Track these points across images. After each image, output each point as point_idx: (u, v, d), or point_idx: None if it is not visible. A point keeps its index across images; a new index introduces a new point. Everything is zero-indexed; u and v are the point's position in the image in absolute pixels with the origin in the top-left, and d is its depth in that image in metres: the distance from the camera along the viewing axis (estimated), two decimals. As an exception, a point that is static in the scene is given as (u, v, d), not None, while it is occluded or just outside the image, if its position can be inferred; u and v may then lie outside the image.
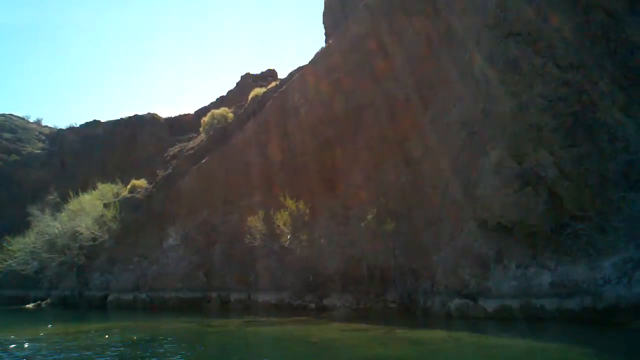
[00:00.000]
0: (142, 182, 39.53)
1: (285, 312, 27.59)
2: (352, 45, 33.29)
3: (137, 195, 38.19)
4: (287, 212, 29.24)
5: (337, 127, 32.47)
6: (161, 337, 21.64)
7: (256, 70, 54.15)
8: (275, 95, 37.56)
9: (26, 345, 20.45)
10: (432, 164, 26.53)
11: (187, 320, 26.79)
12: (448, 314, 21.29)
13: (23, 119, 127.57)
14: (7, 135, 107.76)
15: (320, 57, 35.71)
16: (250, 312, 28.54)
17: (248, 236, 30.19)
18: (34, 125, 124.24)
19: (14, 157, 57.13)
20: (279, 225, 29.19)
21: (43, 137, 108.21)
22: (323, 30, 47.01)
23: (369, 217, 26.69)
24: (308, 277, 28.66)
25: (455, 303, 21.03)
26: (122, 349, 19.23)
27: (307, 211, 29.44)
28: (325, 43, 39.98)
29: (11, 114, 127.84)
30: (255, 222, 29.94)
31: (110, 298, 34.42)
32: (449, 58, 27.09)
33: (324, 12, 46.92)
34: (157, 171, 40.53)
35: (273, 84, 42.27)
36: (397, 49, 30.73)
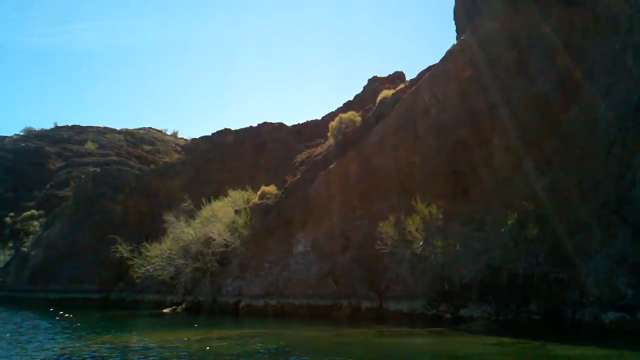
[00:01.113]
0: (271, 189, 40.60)
1: (418, 322, 27.06)
2: (485, 40, 32.22)
3: (267, 202, 39.25)
4: (419, 217, 28.70)
5: (471, 127, 31.51)
6: (294, 346, 21.96)
7: (383, 73, 54.07)
8: (404, 96, 37.17)
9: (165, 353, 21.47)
10: (578, 164, 24.94)
11: (318, 329, 27.02)
12: (602, 328, 19.82)
13: (161, 131, 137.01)
14: (146, 147, 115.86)
15: (451, 54, 34.91)
16: (381, 322, 28.27)
17: (379, 242, 29.97)
18: (170, 138, 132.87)
19: (151, 166, 61.11)
20: (410, 231, 28.72)
21: (179, 148, 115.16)
22: (453, 28, 46.10)
23: (509, 222, 25.50)
24: (443, 286, 27.92)
25: (610, 316, 19.53)
26: (257, 357, 19.68)
27: (440, 216, 28.70)
28: (457, 40, 39.05)
29: (150, 127, 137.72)
30: (386, 228, 29.66)
31: (242, 304, 35.53)
32: (595, 49, 25.43)
33: (454, 8, 45.90)
34: (286, 177, 41.45)
35: (401, 86, 41.89)
36: (534, 42, 29.36)
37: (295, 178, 39.95)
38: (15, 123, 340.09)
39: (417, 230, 28.73)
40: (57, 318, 34.58)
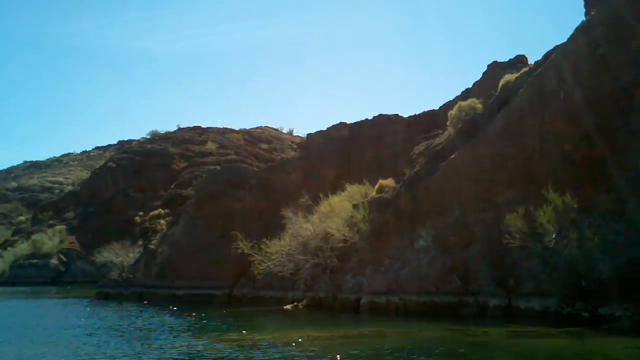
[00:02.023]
0: (389, 182, 39.86)
1: (552, 322, 25.46)
2: (618, 15, 29.75)
3: (386, 195, 38.55)
4: (550, 208, 26.91)
5: (604, 110, 29.26)
6: (420, 347, 21.23)
7: (503, 58, 51.74)
8: (529, 80, 35.18)
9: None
10: None
11: (444, 327, 26.08)
12: None
13: (277, 130, 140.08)
14: (263, 145, 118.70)
15: (580, 32, 32.55)
16: (510, 320, 26.87)
17: (506, 236, 28.49)
18: (286, 136, 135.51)
19: (269, 163, 62.20)
20: (541, 223, 27.02)
21: (295, 146, 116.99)
22: (581, 3, 43.18)
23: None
24: (579, 282, 26.01)
25: None
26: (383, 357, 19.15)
27: (575, 206, 26.75)
28: (586, 16, 36.43)
29: (267, 126, 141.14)
30: (514, 220, 28.10)
31: (363, 301, 35.08)
32: None
33: (583, -19, 42.95)
34: (404, 170, 40.55)
35: (524, 69, 39.75)
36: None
37: (414, 170, 38.96)
38: (142, 126, 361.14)
39: (548, 222, 27.00)
40: (189, 316, 35.76)
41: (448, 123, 40.76)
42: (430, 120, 50.35)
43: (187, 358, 20.26)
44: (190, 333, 27.46)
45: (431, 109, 53.62)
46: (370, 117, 53.71)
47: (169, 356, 20.70)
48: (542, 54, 38.45)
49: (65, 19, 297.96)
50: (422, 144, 45.00)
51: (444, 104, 51.31)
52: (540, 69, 35.19)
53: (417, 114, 54.14)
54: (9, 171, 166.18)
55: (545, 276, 27.83)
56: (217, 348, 22.37)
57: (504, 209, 30.28)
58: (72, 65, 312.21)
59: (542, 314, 27.04)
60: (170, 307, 42.26)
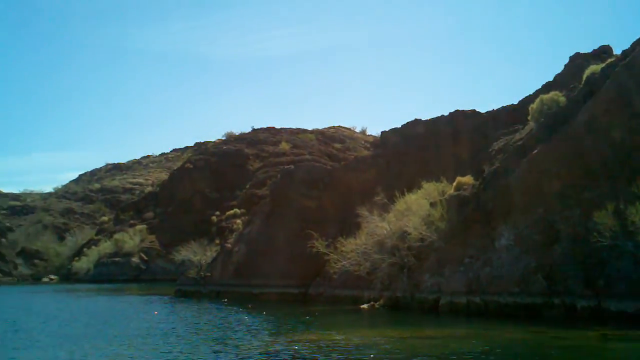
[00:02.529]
0: (468, 179, 38.72)
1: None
2: None
3: (464, 193, 37.46)
4: (643, 205, 25.39)
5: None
6: (505, 350, 20.39)
7: (585, 49, 49.39)
8: (616, 70, 33.43)
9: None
10: None
11: (529, 330, 25.08)
12: None
13: (350, 129, 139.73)
14: (337, 145, 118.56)
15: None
16: (600, 323, 25.51)
17: (594, 234, 27.05)
18: (359, 135, 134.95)
19: (342, 162, 61.89)
20: (633, 221, 25.50)
21: (368, 145, 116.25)
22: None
23: None
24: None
25: None
26: None
27: (671, 202, 25.15)
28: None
29: (339, 126, 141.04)
30: (603, 218, 26.66)
31: (442, 301, 34.23)
32: None
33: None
34: (483, 166, 39.30)
35: (610, 60, 37.81)
36: None
37: (494, 167, 37.68)
38: (218, 128, 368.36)
39: (641, 219, 25.48)
40: (266, 314, 35.82)
41: (529, 117, 39.22)
42: (509, 115, 48.61)
43: (266, 359, 20.06)
44: (267, 332, 27.39)
45: (510, 103, 51.81)
46: (446, 114, 52.49)
47: (248, 356, 20.59)
48: (629, 44, 36.56)
49: (142, 25, 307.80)
50: (501, 140, 43.46)
51: (524, 98, 49.47)
52: (627, 59, 33.44)
53: (495, 109, 52.49)
54: (93, 173, 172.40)
55: (638, 276, 26.29)
56: (296, 348, 22.13)
57: (591, 205, 28.86)
58: (150, 70, 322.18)
59: (636, 316, 25.54)
60: (247, 305, 42.55)
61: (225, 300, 46.74)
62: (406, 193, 40.90)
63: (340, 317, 35.52)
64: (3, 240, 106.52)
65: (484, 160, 41.48)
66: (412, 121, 52.96)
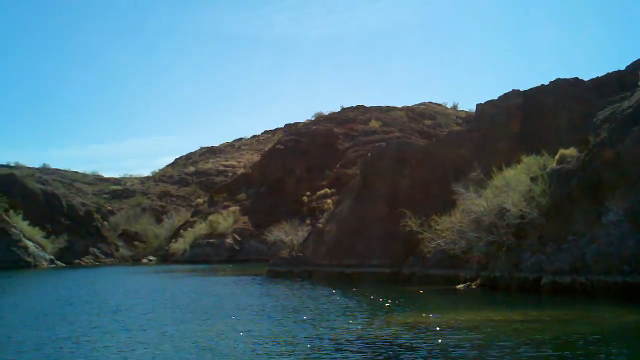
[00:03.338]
0: (571, 151, 36.40)
1: None
2: None
3: (567, 166, 35.20)
4: None
5: None
6: (617, 336, 18.72)
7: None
8: None
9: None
10: None
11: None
12: None
13: (440, 105, 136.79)
14: (427, 122, 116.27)
15: None
16: None
17: None
18: (450, 111, 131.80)
19: (434, 139, 60.10)
20: None
21: (460, 121, 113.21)
22: None
23: None
24: None
25: None
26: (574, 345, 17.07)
27: None
28: None
29: (430, 102, 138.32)
30: None
31: (544, 281, 32.41)
32: None
33: None
34: (588, 138, 36.79)
35: None
36: None
37: (600, 138, 35.17)
38: (307, 109, 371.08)
39: None
40: (360, 295, 35.13)
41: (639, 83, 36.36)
42: (615, 82, 45.42)
43: (363, 342, 19.33)
44: (363, 314, 26.67)
45: (616, 69, 48.40)
46: (546, 83, 49.64)
47: (344, 339, 19.93)
48: None
49: (229, 9, 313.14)
50: (607, 109, 40.56)
51: (632, 63, 46.10)
52: None
53: (599, 76, 49.20)
54: (188, 157, 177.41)
55: None
56: (394, 331, 21.29)
57: None
58: (240, 54, 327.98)
59: None
60: (340, 285, 42.12)
61: (316, 280, 46.41)
62: (504, 168, 39.02)
63: (437, 297, 34.37)
64: (105, 223, 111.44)
65: (589, 131, 38.86)
66: (509, 92, 50.39)
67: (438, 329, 21.39)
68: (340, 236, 50.08)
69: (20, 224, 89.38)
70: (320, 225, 54.38)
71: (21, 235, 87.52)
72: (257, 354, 17.76)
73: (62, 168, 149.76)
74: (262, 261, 75.77)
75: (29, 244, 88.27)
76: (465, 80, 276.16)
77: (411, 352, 17.34)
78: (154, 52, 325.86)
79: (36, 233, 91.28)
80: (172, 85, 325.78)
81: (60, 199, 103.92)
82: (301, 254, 53.10)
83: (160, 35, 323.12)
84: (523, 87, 50.65)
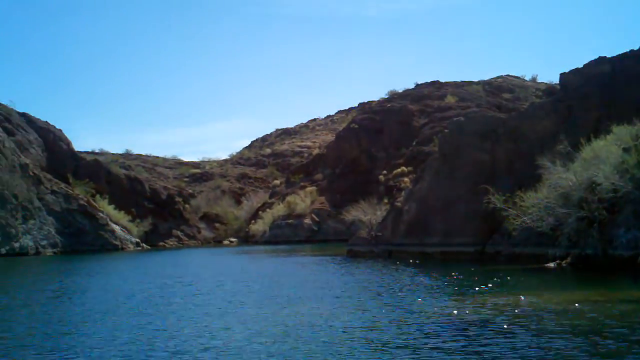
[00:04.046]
0: (667, 119, 33.86)
1: None
2: None
3: (665, 136, 32.77)
4: None
5: None
6: None
7: None
8: None
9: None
10: None
11: None
12: None
13: (519, 78, 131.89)
14: (505, 95, 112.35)
15: None
16: None
17: None
18: (530, 83, 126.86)
19: (512, 113, 57.52)
20: None
21: (540, 93, 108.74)
22: None
23: None
24: None
25: None
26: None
27: None
28: None
29: (508, 75, 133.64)
30: None
31: (641, 258, 30.36)
32: None
33: None
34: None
35: None
36: None
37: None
38: (380, 87, 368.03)
39: None
40: (443, 275, 33.95)
41: None
42: None
43: (454, 326, 18.26)
44: (450, 295, 25.50)
45: None
46: (635, 48, 46.38)
47: (433, 322, 18.96)
48: None
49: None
50: None
51: None
52: None
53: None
54: (264, 139, 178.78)
55: None
56: (485, 314, 20.12)
57: None
58: (310, 34, 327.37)
59: None
60: (421, 265, 41.06)
61: (397, 261, 45.33)
62: (593, 139, 36.79)
63: (526, 277, 32.68)
64: (187, 206, 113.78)
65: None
66: (595, 59, 47.44)
67: (533, 311, 20.11)
68: (420, 215, 48.90)
69: (106, 209, 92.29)
70: (398, 204, 53.29)
71: (108, 220, 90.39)
72: (342, 339, 17.03)
73: (143, 153, 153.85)
74: (341, 241, 75.43)
75: (116, 227, 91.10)
76: (543, 51, 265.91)
77: (508, 338, 16.16)
78: (227, 37, 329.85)
79: (122, 217, 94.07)
80: (246, 69, 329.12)
81: (143, 183, 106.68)
82: (380, 234, 52.21)
83: (233, 19, 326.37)
84: (607, 54, 47.45)
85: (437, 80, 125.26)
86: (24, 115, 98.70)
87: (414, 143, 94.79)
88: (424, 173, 53.22)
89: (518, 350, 14.74)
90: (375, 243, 51.90)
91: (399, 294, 26.56)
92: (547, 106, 48.63)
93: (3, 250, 72.24)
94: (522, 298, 23.11)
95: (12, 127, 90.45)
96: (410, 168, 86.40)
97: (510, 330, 17.06)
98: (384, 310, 21.77)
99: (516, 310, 20.49)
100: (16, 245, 74.85)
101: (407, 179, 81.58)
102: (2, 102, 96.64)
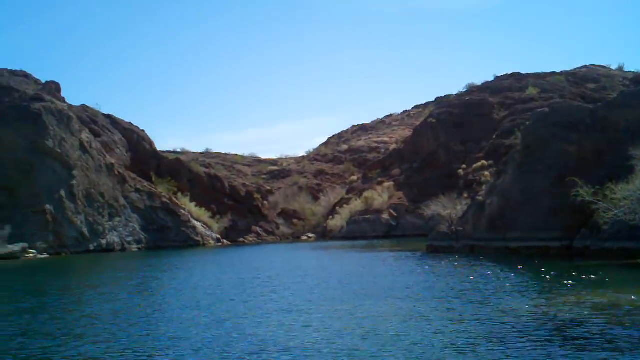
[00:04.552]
0: None
1: None
2: None
3: None
4: None
5: None
6: None
7: None
8: None
9: None
10: None
11: None
12: None
13: (605, 67, 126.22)
14: (590, 85, 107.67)
15: None
16: None
17: None
18: (616, 72, 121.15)
19: (598, 104, 54.80)
20: None
21: (627, 82, 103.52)
22: None
23: None
24: None
25: None
26: None
27: None
28: None
29: (592, 65, 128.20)
30: None
31: None
32: None
33: None
34: None
35: None
36: None
37: None
38: (458, 81, 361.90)
39: None
40: (531, 272, 32.55)
41: None
42: None
43: (548, 327, 17.11)
44: (540, 293, 24.21)
45: None
46: None
47: (525, 322, 17.91)
48: None
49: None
50: None
51: None
52: None
53: None
54: (340, 135, 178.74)
55: None
56: (581, 313, 18.85)
57: None
58: (387, 30, 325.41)
59: None
60: (505, 260, 39.70)
61: (480, 257, 43.93)
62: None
63: (621, 273, 30.91)
64: (265, 202, 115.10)
65: None
66: (692, 44, 44.60)
67: (636, 310, 18.82)
68: (502, 209, 47.34)
69: (188, 206, 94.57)
70: (480, 198, 51.87)
71: (189, 216, 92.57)
72: (430, 339, 16.38)
73: (223, 152, 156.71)
74: (419, 236, 74.27)
75: (197, 224, 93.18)
76: (631, 39, 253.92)
77: (609, 342, 15.02)
78: (303, 36, 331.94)
79: (203, 214, 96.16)
80: (320, 66, 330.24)
81: (223, 180, 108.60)
82: (461, 229, 50.97)
83: (310, 18, 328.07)
84: None
85: (518, 72, 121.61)
86: (109, 117, 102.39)
87: (494, 136, 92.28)
88: (506, 166, 51.54)
89: (626, 355, 13.68)
90: (455, 238, 50.70)
91: (485, 290, 25.58)
92: (638, 94, 46.04)
93: (91, 247, 75.14)
94: (620, 296, 21.72)
95: (98, 128, 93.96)
96: (490, 162, 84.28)
97: (610, 332, 15.97)
98: (470, 309, 20.85)
99: (615, 310, 19.21)
100: (103, 241, 77.71)
101: (487, 172, 79.60)
102: (89, 105, 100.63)
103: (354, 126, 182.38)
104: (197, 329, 19.07)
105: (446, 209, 54.98)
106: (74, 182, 75.94)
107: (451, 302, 22.85)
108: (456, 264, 39.67)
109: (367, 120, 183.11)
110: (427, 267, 39.05)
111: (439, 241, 52.22)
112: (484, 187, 58.94)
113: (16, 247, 64.81)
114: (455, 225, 51.90)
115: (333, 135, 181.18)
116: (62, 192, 73.72)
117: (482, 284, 28.06)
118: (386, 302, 23.41)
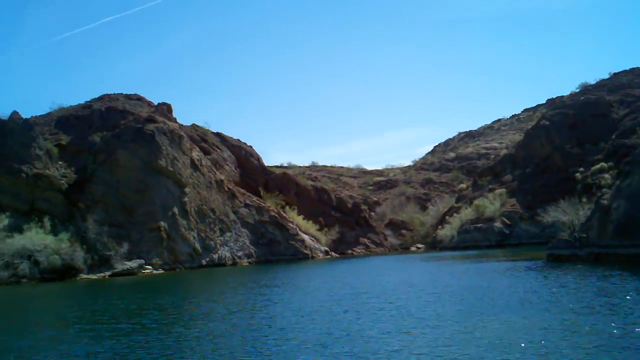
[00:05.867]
0: None
1: None
2: None
3: None
4: None
5: None
6: None
7: None
8: None
9: None
10: None
11: None
12: None
13: None
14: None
15: None
16: None
17: None
18: None
19: None
20: None
21: None
22: None
23: None
24: None
25: None
26: None
27: None
28: None
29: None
30: None
31: None
32: None
33: None
34: None
35: None
36: None
37: None
38: (569, 81, 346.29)
39: None
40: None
41: None
42: None
43: None
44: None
45: None
46: None
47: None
48: None
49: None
50: None
51: None
52: None
53: None
54: (447, 143, 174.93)
55: None
56: None
57: None
58: (490, 35, 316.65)
59: None
60: (638, 269, 35.88)
61: (616, 265, 39.93)
62: None
63: None
64: (372, 213, 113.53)
65: None
66: None
67: None
68: (631, 213, 43.06)
69: (296, 219, 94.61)
70: (604, 201, 47.62)
71: (297, 229, 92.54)
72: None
73: (328, 164, 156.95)
74: (535, 245, 70.01)
75: (305, 237, 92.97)
76: None
77: None
78: (404, 46, 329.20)
79: (310, 226, 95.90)
80: (423, 74, 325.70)
81: (329, 193, 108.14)
82: (585, 235, 46.97)
83: (410, 27, 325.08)
84: None
85: (638, 67, 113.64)
86: (218, 134, 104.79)
87: (614, 136, 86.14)
88: (633, 167, 47.09)
89: None
90: (579, 246, 46.75)
91: (620, 306, 22.61)
92: None
93: (204, 262, 76.43)
94: None
95: (207, 146, 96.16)
96: (610, 163, 78.57)
97: None
98: (604, 328, 18.27)
99: None
100: (215, 256, 78.92)
101: (608, 175, 74.11)
102: (199, 124, 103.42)
103: (460, 133, 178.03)
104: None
105: (567, 214, 51.10)
106: (186, 199, 77.71)
107: (580, 319, 20.26)
108: (581, 273, 36.22)
109: (473, 126, 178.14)
110: (550, 278, 35.82)
111: (560, 249, 48.40)
112: (604, 190, 54.39)
113: (134, 264, 66.89)
114: (577, 231, 47.99)
115: (439, 144, 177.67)
116: (175, 209, 75.55)
117: (614, 297, 24.90)
118: (513, 315, 21.19)
